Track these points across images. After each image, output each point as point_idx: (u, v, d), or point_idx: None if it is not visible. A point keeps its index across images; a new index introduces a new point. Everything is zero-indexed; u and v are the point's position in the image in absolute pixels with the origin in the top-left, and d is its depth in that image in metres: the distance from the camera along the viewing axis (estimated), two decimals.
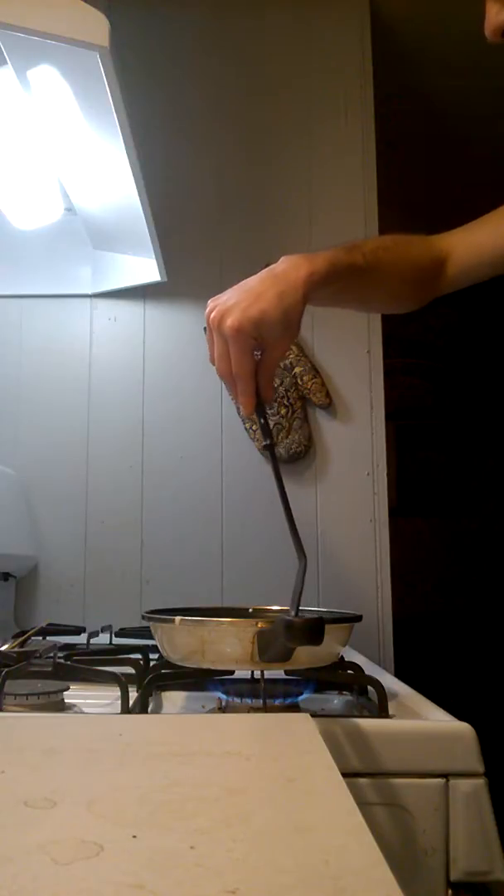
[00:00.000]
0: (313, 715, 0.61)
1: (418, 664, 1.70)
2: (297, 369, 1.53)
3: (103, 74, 0.89)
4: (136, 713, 0.71)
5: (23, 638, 1.04)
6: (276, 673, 0.75)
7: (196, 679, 0.79)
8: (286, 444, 1.51)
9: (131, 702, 0.73)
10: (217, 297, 0.79)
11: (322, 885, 0.27)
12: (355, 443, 1.55)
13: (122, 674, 0.75)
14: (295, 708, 0.75)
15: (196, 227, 1.62)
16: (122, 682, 0.73)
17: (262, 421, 0.81)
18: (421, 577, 3.07)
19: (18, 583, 1.49)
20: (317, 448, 1.55)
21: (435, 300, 0.96)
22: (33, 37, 0.83)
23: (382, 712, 0.71)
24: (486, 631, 2.92)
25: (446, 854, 0.60)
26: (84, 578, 1.51)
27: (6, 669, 0.75)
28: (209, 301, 0.79)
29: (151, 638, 0.82)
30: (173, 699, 0.83)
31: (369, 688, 0.77)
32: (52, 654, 0.92)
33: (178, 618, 0.72)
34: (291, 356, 1.54)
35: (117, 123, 0.99)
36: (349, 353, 1.58)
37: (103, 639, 1.19)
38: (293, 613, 0.64)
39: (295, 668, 0.74)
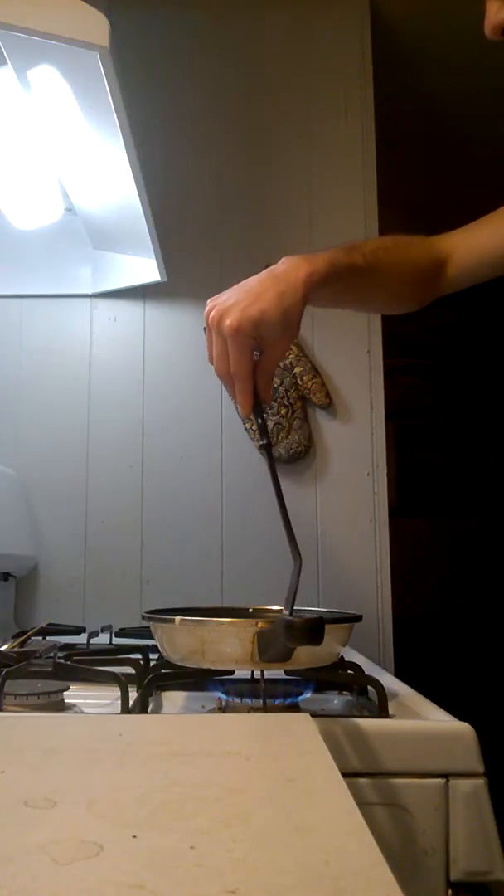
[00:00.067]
0: (313, 715, 0.61)
1: (418, 664, 1.70)
2: (297, 369, 1.53)
3: (103, 74, 0.89)
4: (136, 713, 0.71)
5: (23, 638, 1.04)
6: (276, 673, 0.75)
7: (196, 679, 0.79)
8: (286, 444, 1.51)
9: (131, 702, 0.73)
10: (216, 296, 0.79)
11: (322, 885, 0.27)
12: (355, 443, 1.55)
13: (122, 674, 0.75)
14: (295, 708, 0.75)
15: (196, 227, 1.62)
16: (122, 682, 0.73)
17: (260, 421, 0.81)
18: (421, 577, 3.07)
19: (18, 583, 1.49)
20: (317, 448, 1.55)
21: (435, 300, 0.96)
22: (33, 37, 0.83)
23: (382, 712, 0.71)
24: (486, 631, 2.92)
25: (446, 854, 0.60)
26: (84, 578, 1.51)
27: (6, 669, 0.75)
28: (208, 301, 0.79)
29: (151, 638, 0.82)
30: (173, 699, 0.83)
31: (369, 688, 0.77)
32: (52, 654, 0.92)
33: (178, 618, 0.72)
34: (291, 356, 1.54)
35: (117, 123, 0.99)
36: (349, 353, 1.58)
37: (103, 639, 1.19)
38: (287, 613, 0.64)
39: (295, 668, 0.74)
